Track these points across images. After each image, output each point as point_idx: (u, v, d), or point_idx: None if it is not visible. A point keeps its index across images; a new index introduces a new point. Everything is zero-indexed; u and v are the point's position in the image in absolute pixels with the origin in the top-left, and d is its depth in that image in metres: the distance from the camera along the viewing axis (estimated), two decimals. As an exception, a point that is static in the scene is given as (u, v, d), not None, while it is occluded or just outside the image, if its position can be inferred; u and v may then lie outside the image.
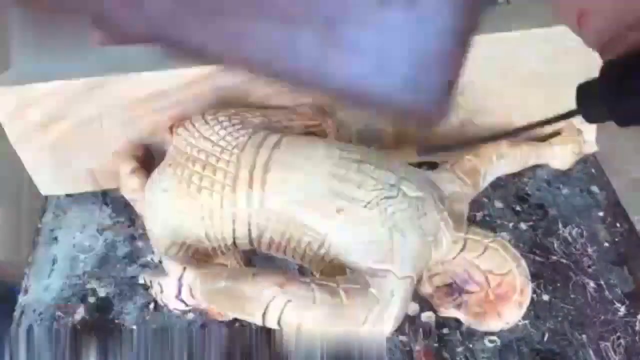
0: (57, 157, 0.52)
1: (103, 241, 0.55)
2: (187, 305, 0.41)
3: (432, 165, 0.57)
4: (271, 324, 0.38)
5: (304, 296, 0.38)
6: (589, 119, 0.33)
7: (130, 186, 0.49)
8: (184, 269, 0.40)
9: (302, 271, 0.51)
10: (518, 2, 0.61)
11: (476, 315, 0.44)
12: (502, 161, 0.51)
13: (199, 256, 0.44)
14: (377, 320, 0.40)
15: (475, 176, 0.49)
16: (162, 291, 0.41)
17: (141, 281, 0.41)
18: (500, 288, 0.43)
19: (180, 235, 0.44)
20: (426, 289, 0.45)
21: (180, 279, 0.40)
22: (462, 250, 0.44)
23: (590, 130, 0.58)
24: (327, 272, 0.43)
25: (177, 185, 0.43)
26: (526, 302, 0.43)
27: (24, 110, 0.49)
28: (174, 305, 0.41)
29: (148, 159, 0.52)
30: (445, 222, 0.44)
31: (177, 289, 0.40)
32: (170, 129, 0.49)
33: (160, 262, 0.42)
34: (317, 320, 0.38)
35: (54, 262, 0.54)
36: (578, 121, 0.56)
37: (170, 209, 0.44)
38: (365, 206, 0.42)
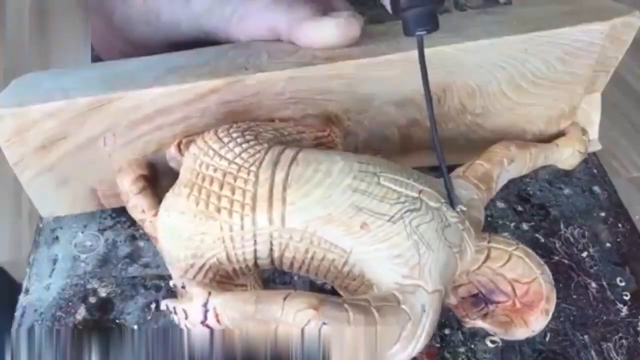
0: (58, 178, 0.50)
1: (104, 241, 0.55)
2: (213, 331, 0.39)
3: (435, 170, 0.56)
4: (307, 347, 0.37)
5: (339, 317, 0.37)
6: None
7: (139, 207, 0.48)
8: (209, 293, 0.39)
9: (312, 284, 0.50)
10: (519, 2, 0.61)
11: (502, 324, 0.43)
12: (513, 164, 0.51)
13: (219, 278, 0.43)
14: (410, 337, 0.39)
15: (488, 181, 0.49)
16: (186, 317, 0.39)
17: (163, 307, 0.40)
18: (527, 296, 0.43)
19: (199, 258, 0.42)
20: (451, 300, 0.44)
21: (205, 305, 0.39)
22: (486, 259, 0.44)
23: (592, 130, 0.58)
24: (351, 289, 0.42)
25: (195, 206, 0.42)
26: (552, 308, 0.43)
27: (23, 133, 0.46)
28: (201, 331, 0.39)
29: (153, 176, 0.50)
30: (467, 232, 0.44)
31: (202, 315, 0.39)
32: (178, 145, 0.48)
33: (184, 286, 0.40)
34: (351, 341, 0.37)
35: (55, 261, 0.53)
36: (581, 120, 0.57)
37: (188, 231, 0.42)
38: (389, 220, 0.41)
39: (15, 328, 0.49)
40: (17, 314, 0.50)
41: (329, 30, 0.48)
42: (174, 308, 0.40)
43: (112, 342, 0.39)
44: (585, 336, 0.49)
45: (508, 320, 0.43)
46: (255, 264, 0.43)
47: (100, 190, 0.52)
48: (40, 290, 0.52)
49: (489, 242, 0.44)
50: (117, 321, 0.50)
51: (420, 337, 0.40)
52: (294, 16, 0.50)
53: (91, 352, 0.39)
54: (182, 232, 0.42)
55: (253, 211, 0.41)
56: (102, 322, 0.50)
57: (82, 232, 0.55)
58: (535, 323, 0.43)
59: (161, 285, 0.52)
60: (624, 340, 0.49)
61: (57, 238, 0.55)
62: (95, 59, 0.66)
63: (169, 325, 0.49)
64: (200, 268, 0.43)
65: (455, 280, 0.44)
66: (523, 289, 0.43)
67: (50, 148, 0.48)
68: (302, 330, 0.37)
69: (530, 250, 0.44)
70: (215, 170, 0.43)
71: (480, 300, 0.44)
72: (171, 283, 0.42)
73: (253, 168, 0.42)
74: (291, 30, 0.50)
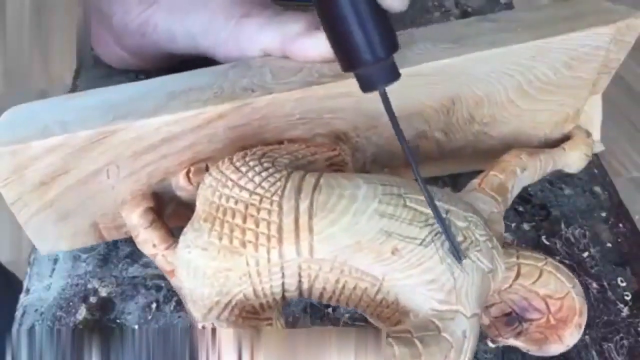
0: (58, 214, 0.47)
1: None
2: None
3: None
4: None
5: (385, 354, 0.36)
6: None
7: (150, 241, 0.45)
8: (241, 335, 0.37)
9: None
10: (520, 4, 0.60)
11: (536, 341, 0.43)
12: (525, 173, 0.50)
13: (245, 314, 0.41)
14: None
15: (504, 192, 0.48)
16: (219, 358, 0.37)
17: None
18: (561, 312, 0.42)
19: (225, 295, 0.40)
20: (483, 320, 0.44)
21: (239, 346, 0.37)
22: (517, 277, 0.43)
23: (595, 131, 0.58)
24: (385, 316, 0.41)
25: (218, 242, 0.40)
26: (584, 322, 0.43)
27: (22, 170, 0.43)
28: None
29: (158, 206, 0.48)
30: (496, 250, 0.43)
31: (237, 358, 0.37)
32: (187, 174, 0.45)
33: (214, 329, 0.38)
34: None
35: (55, 261, 0.53)
36: (584, 122, 0.57)
37: (212, 268, 0.40)
38: (420, 244, 0.40)
39: (15, 328, 0.49)
40: (18, 313, 0.50)
41: (324, 45, 0.47)
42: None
43: (113, 342, 0.38)
44: (586, 336, 0.49)
45: (542, 337, 0.43)
46: (283, 297, 0.41)
47: (102, 223, 0.49)
48: (41, 290, 0.51)
49: (517, 257, 0.43)
50: (117, 321, 0.50)
51: (462, 364, 0.39)
52: (288, 33, 0.49)
53: (92, 352, 0.38)
54: (205, 269, 0.40)
55: (280, 243, 0.39)
56: (102, 322, 0.49)
57: (83, 232, 0.54)
58: (570, 338, 0.42)
59: (162, 285, 0.51)
60: (625, 341, 0.49)
61: (57, 238, 0.54)
62: (96, 59, 0.65)
63: (169, 325, 0.49)
64: (226, 305, 0.41)
65: (488, 300, 0.43)
66: (557, 304, 0.43)
67: (51, 184, 0.45)
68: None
69: (559, 264, 0.44)
70: (236, 202, 0.40)
71: (513, 319, 0.43)
72: (199, 325, 0.40)
73: (275, 198, 0.40)
74: (286, 47, 0.49)
